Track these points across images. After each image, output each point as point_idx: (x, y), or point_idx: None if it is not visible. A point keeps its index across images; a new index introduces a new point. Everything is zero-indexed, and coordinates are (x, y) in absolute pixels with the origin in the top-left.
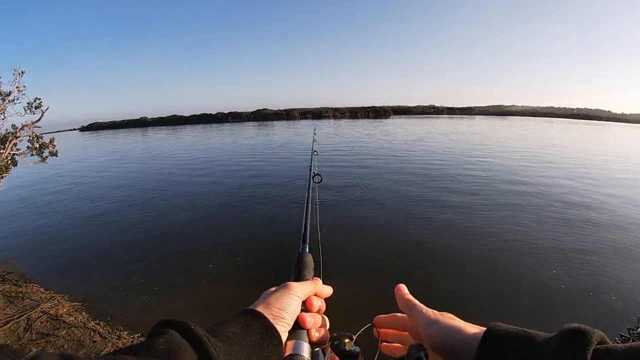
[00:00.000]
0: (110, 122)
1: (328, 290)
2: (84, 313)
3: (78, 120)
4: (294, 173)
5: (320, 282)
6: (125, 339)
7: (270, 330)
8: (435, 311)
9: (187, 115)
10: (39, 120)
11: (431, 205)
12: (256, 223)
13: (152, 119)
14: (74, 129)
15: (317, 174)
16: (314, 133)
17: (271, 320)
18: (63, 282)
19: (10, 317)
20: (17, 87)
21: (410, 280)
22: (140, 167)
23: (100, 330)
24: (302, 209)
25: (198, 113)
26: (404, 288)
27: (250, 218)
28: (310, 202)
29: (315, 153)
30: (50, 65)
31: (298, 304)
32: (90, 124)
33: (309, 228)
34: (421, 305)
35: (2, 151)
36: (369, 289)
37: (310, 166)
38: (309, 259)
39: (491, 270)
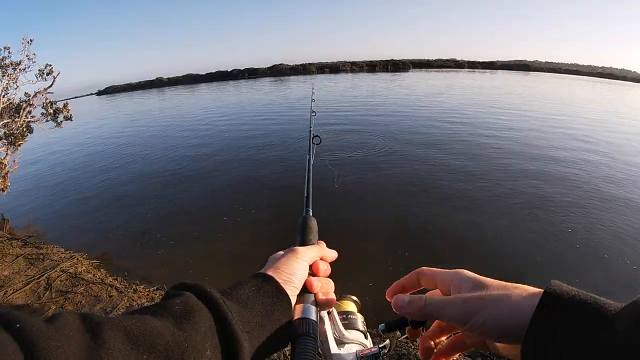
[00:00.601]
0: (127, 84)
1: (333, 254)
2: (102, 270)
3: (95, 84)
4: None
5: (325, 246)
6: (142, 292)
7: (280, 294)
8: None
9: (203, 73)
10: (50, 86)
11: (446, 166)
12: (270, 182)
13: (168, 79)
14: (91, 94)
15: (317, 136)
16: (312, 92)
17: (281, 285)
18: (82, 242)
19: (31, 278)
20: (27, 56)
21: (416, 234)
22: (156, 129)
23: (117, 285)
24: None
25: (214, 70)
26: (400, 298)
27: (264, 178)
28: (311, 165)
29: (314, 114)
30: (64, 30)
31: (306, 269)
32: (106, 88)
33: (311, 191)
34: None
35: (17, 119)
36: (372, 251)
37: (310, 128)
38: (314, 223)
39: (504, 226)
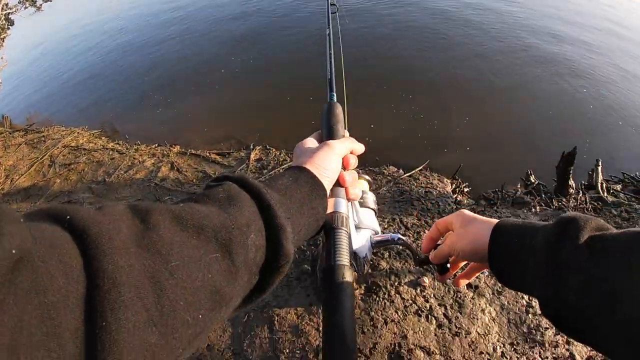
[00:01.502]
0: None
1: (361, 148)
2: (103, 138)
3: None
4: None
5: (354, 139)
6: (143, 150)
7: (317, 185)
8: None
9: None
10: None
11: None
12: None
13: None
14: None
15: (333, 4)
16: None
17: (317, 177)
18: (82, 117)
19: (35, 159)
20: None
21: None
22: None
23: (119, 148)
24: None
25: None
26: (432, 257)
27: (265, 28)
28: (331, 39)
29: None
30: None
31: (339, 163)
32: None
33: (334, 73)
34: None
35: None
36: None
37: None
38: (339, 111)
39: (520, 79)
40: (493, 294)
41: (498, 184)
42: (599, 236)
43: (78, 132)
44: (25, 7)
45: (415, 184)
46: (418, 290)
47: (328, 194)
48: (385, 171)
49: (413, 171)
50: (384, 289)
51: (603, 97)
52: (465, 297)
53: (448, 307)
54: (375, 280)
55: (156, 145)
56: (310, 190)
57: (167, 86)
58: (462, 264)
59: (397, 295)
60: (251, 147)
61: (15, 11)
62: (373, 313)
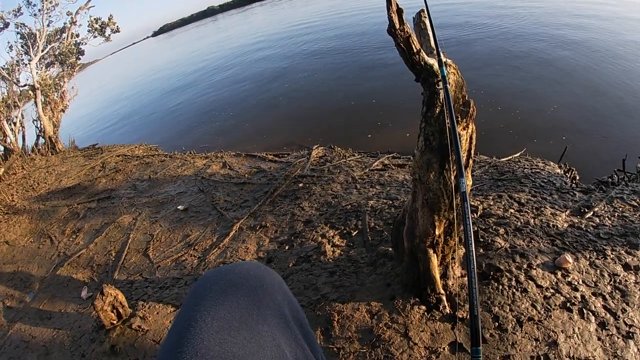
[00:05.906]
0: (180, 19)
1: None
2: (159, 150)
3: (148, 27)
4: None
5: None
6: (196, 154)
7: None
8: None
9: None
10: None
11: None
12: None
13: (219, 5)
14: (147, 37)
15: None
16: None
17: None
18: (143, 139)
19: (87, 166)
20: None
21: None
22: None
23: (172, 154)
24: None
25: None
26: None
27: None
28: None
29: None
30: None
31: None
32: (161, 27)
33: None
34: None
35: (64, 41)
36: None
37: None
38: None
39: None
40: None
41: (606, 168)
42: None
43: (136, 146)
44: (95, 37)
45: (517, 166)
46: (559, 275)
47: None
48: (475, 158)
49: (511, 156)
50: (508, 274)
51: None
52: (627, 281)
53: (607, 297)
54: (492, 263)
55: (215, 152)
56: None
57: (233, 105)
58: None
59: (529, 281)
60: (313, 147)
61: (84, 40)
62: (497, 309)
